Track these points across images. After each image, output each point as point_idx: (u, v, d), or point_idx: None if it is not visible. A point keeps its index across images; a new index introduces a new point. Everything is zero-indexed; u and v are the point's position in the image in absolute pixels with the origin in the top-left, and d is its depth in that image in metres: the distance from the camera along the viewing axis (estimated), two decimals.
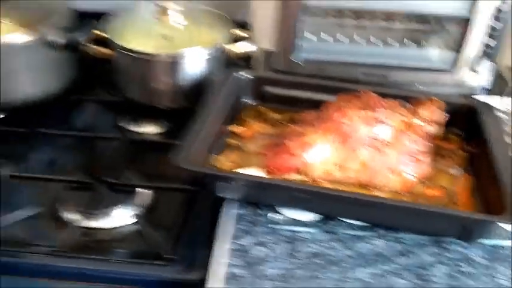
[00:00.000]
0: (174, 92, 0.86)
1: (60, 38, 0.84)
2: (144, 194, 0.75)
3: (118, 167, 0.79)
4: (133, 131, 0.89)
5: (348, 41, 0.89)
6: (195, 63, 0.84)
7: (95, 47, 0.86)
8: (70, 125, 0.91)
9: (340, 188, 0.67)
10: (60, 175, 0.78)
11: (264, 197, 0.68)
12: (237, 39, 0.89)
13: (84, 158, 0.84)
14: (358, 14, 0.87)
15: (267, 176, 0.69)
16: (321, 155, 0.68)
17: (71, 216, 0.71)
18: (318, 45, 0.88)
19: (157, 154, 0.81)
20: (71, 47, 0.85)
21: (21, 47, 0.83)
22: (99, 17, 0.89)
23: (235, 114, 0.80)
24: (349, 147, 0.68)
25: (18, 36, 0.82)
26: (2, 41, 0.81)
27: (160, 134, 0.89)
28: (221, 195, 0.69)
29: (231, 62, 0.87)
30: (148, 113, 0.89)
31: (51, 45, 0.84)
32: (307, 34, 0.86)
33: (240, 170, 0.69)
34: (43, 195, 0.75)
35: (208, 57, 0.85)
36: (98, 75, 0.95)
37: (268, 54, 0.89)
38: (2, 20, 0.85)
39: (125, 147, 0.84)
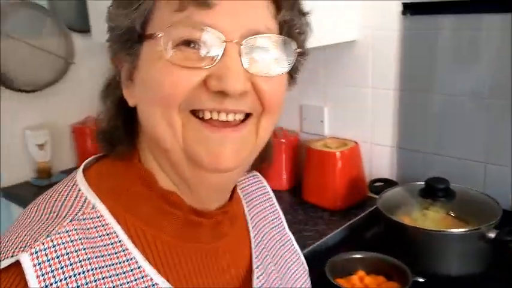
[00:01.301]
0: None
1: (491, 233, 1.05)
2: None
3: None
4: None
5: None
6: None
7: None
8: None
9: None
10: None
11: None
12: None
13: None
14: None
15: None
16: None
17: None
18: None
19: None
20: (498, 242, 1.04)
21: (459, 236, 1.08)
22: None
23: None
24: None
25: (457, 229, 1.08)
26: (448, 231, 1.09)
27: None
28: None
29: None
30: None
31: (482, 237, 1.06)
32: None
33: None
34: None
35: None
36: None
37: None
38: (451, 214, 1.13)
39: None
